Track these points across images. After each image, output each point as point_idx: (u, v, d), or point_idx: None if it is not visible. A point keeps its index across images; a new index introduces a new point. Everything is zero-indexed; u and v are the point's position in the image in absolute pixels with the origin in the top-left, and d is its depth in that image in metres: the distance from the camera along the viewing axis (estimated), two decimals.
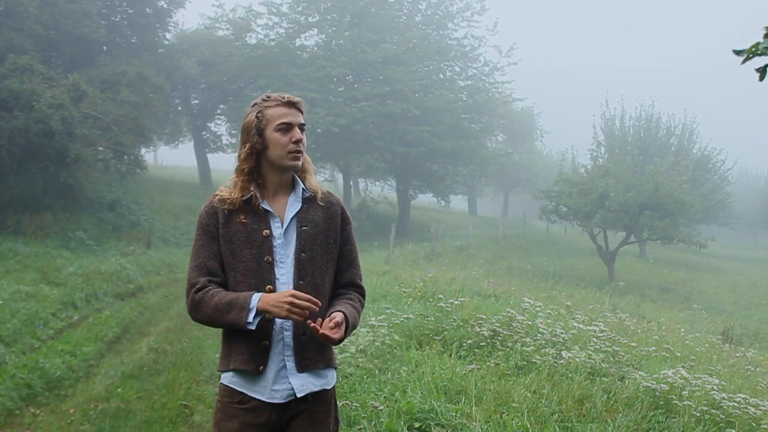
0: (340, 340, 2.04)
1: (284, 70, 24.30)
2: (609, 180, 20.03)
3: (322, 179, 33.51)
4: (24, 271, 10.45)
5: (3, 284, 9.27)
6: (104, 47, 21.30)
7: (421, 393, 4.09)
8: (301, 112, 2.16)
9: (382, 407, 3.91)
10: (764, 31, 2.03)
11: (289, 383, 2.07)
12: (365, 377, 4.53)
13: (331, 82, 24.82)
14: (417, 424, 3.77)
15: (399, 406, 3.92)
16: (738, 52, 2.10)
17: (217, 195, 2.15)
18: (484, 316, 6.00)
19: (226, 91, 27.92)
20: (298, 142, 2.11)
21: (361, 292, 2.29)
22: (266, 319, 2.04)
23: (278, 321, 2.07)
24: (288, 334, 2.08)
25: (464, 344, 5.34)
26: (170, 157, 39.52)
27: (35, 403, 5.84)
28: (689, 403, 4.12)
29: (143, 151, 21.92)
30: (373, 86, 24.41)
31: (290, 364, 2.08)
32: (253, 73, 25.09)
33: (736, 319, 12.30)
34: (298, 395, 2.07)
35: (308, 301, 1.96)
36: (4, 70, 13.75)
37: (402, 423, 3.75)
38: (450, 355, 5.12)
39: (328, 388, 2.16)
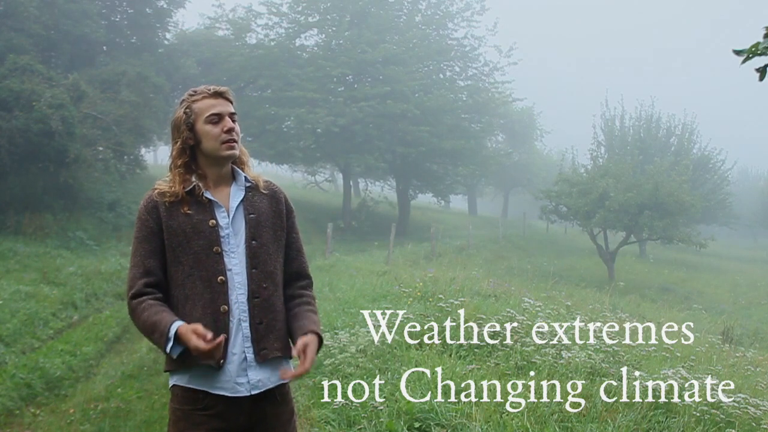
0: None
1: (284, 70, 24.29)
2: (609, 180, 20.01)
3: (322, 179, 33.44)
4: (24, 271, 10.45)
5: (3, 284, 9.26)
6: (104, 47, 21.28)
7: (421, 393, 4.08)
8: (231, 102, 2.14)
9: (382, 407, 3.90)
10: (764, 31, 2.03)
11: (248, 377, 2.04)
12: (365, 377, 4.53)
13: (331, 82, 24.79)
14: (417, 424, 3.77)
15: (399, 406, 3.91)
16: (738, 52, 2.10)
17: (156, 189, 2.10)
18: (484, 316, 6.00)
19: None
20: (230, 131, 2.08)
21: (311, 283, 2.30)
22: (222, 312, 2.02)
23: (235, 313, 2.04)
24: (245, 325, 2.05)
25: (464, 344, 5.34)
26: None
27: (35, 403, 5.84)
28: (689, 402, 4.12)
29: (143, 151, 21.92)
30: (373, 86, 24.40)
31: (250, 355, 2.05)
32: (253, 73, 25.07)
33: (736, 319, 12.28)
34: (252, 392, 2.03)
35: (202, 337, 1.87)
36: (4, 70, 13.74)
37: (402, 423, 3.74)
38: (450, 355, 5.11)
39: (285, 381, 2.13)
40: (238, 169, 2.17)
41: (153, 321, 1.96)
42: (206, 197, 2.09)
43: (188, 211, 2.06)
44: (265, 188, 2.19)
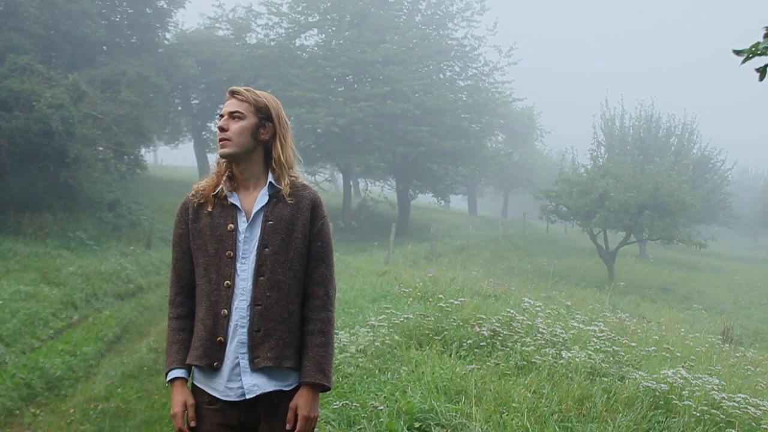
0: (310, 414, 2.07)
1: (284, 70, 24.29)
2: (609, 180, 20.01)
3: (322, 179, 33.48)
4: (24, 271, 10.44)
5: (3, 284, 9.26)
6: (104, 47, 21.31)
7: (421, 393, 4.08)
8: (243, 100, 2.13)
9: (382, 407, 3.90)
10: (764, 31, 2.03)
11: (242, 381, 2.05)
12: (365, 377, 4.53)
13: (331, 82, 24.80)
14: (417, 424, 3.76)
15: (399, 406, 3.91)
16: (738, 52, 2.10)
17: (192, 189, 2.17)
18: (484, 316, 6.00)
19: (226, 91, 27.96)
20: (220, 129, 2.11)
21: (327, 299, 2.16)
22: (222, 315, 2.05)
23: (233, 318, 2.06)
24: (243, 331, 2.05)
25: (464, 344, 5.33)
26: (170, 157, 39.53)
27: (35, 403, 5.85)
28: (689, 403, 4.12)
29: (143, 151, 21.92)
30: (373, 86, 24.40)
31: (244, 362, 2.05)
32: (253, 73, 25.08)
33: (736, 319, 12.29)
34: (247, 396, 2.04)
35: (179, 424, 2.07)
36: (4, 70, 13.74)
37: (402, 423, 3.74)
38: (450, 355, 5.11)
39: (285, 389, 2.08)
40: (270, 173, 2.14)
41: (167, 345, 2.17)
42: (230, 201, 2.10)
43: (211, 213, 2.11)
44: (292, 194, 2.12)
